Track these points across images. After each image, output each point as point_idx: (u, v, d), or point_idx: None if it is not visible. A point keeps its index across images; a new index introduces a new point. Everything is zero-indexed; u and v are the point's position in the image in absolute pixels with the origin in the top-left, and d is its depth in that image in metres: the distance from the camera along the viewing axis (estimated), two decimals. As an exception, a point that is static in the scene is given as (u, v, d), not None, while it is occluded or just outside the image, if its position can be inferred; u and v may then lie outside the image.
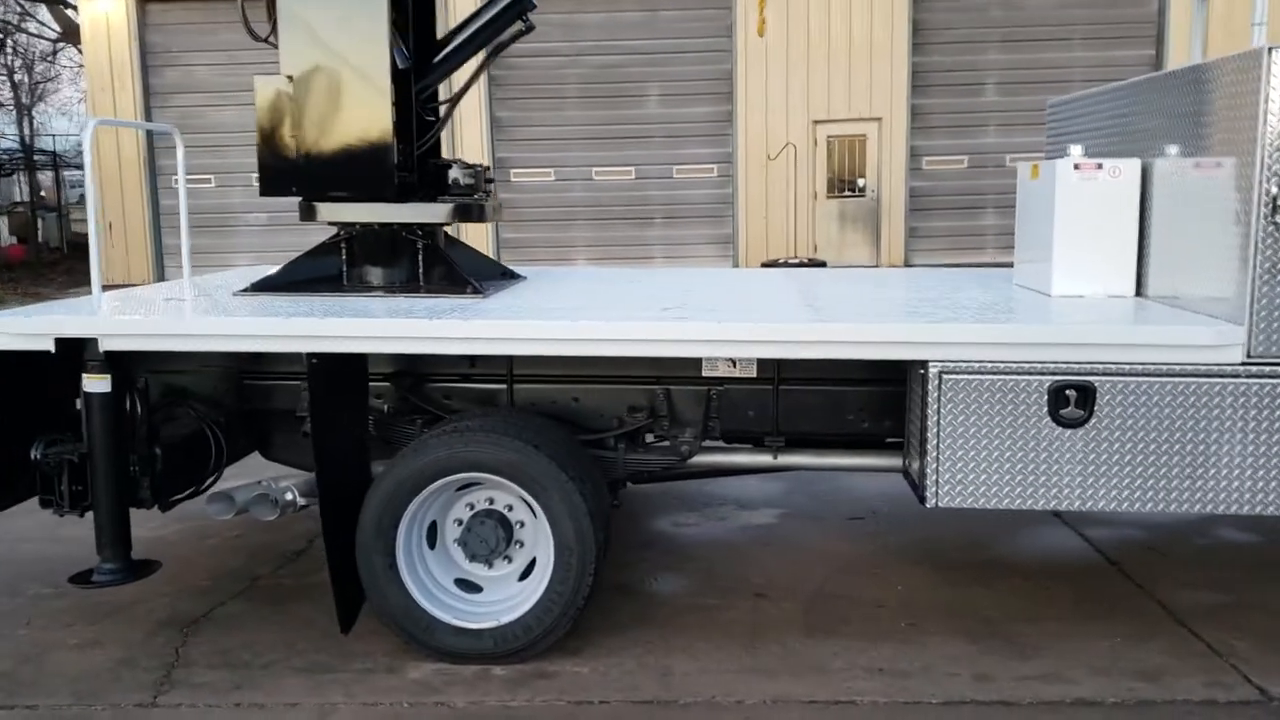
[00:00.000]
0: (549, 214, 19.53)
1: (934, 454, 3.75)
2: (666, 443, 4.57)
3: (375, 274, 4.86)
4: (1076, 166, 4.49)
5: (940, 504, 3.77)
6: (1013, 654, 4.06)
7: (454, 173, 4.98)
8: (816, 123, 18.71)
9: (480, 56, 5.03)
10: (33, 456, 4.10)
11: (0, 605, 4.67)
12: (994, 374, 3.69)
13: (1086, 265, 4.53)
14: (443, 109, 5.14)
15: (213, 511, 4.31)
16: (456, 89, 5.08)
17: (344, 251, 4.86)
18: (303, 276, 4.81)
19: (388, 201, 4.70)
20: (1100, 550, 5.19)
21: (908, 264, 19.06)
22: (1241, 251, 3.62)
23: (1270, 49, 3.49)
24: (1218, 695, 3.70)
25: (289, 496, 4.31)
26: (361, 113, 4.64)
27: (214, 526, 5.43)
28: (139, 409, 4.22)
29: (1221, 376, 3.62)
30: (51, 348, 3.95)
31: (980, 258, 19.04)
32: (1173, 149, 4.42)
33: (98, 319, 4.00)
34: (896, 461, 4.30)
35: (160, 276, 19.81)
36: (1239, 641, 4.11)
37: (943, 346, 3.70)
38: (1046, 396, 3.68)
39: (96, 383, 4.02)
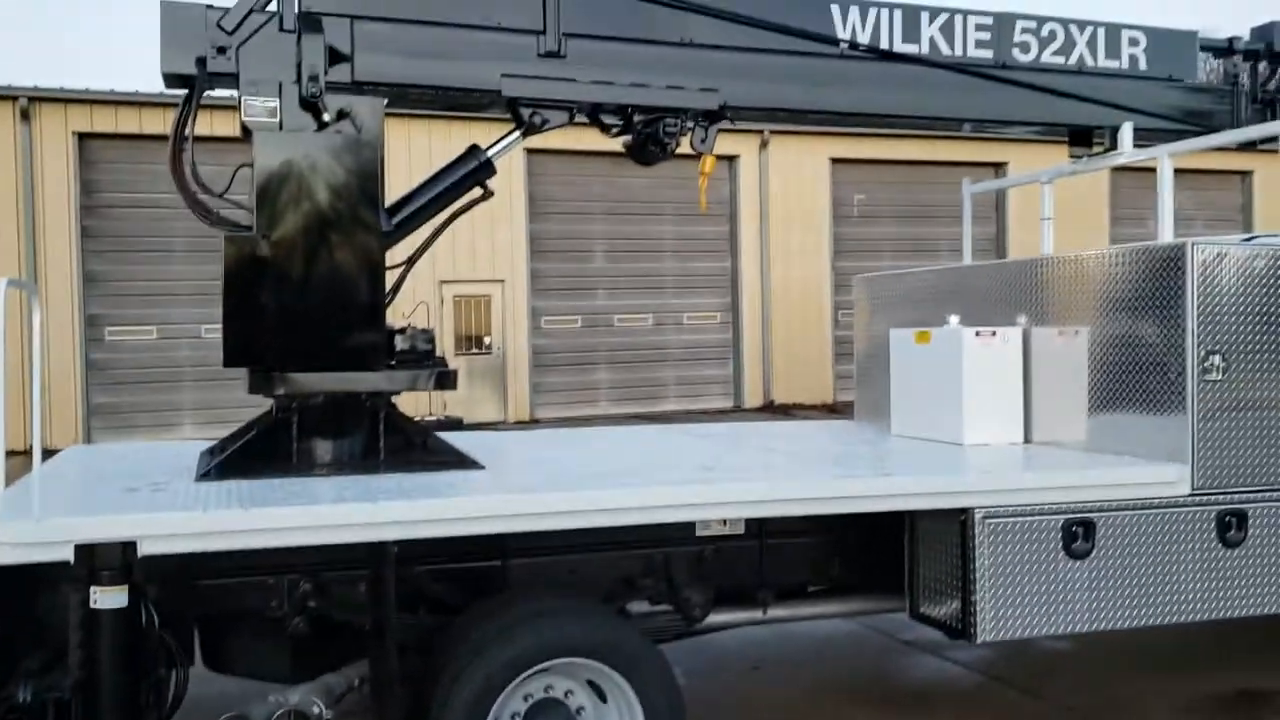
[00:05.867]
0: (151, 375, 17.87)
1: (980, 592, 4.16)
2: (670, 607, 4.57)
3: (326, 448, 4.40)
4: (977, 334, 5.26)
5: (987, 639, 4.18)
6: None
7: (408, 339, 4.70)
8: (443, 283, 19.01)
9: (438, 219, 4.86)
10: (20, 699, 3.22)
11: None
12: (1024, 516, 4.22)
13: (988, 417, 5.26)
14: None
15: (230, 740, 3.61)
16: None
17: (295, 426, 4.37)
18: (258, 455, 4.26)
19: (374, 370, 4.35)
20: (978, 670, 5.85)
21: (533, 418, 19.70)
22: (1183, 403, 4.48)
23: (1192, 244, 4.47)
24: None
25: (316, 710, 3.73)
26: (349, 277, 4.31)
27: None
28: (154, 624, 3.48)
29: (1175, 507, 4.43)
30: (70, 556, 3.19)
31: (598, 410, 20.21)
32: (1023, 318, 5.38)
33: (139, 517, 3.30)
34: (898, 603, 4.65)
35: None
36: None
37: (989, 495, 4.17)
38: (1060, 533, 4.27)
39: (112, 596, 3.29)
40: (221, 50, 4.40)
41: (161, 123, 17.22)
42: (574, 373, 20.42)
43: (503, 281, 19.55)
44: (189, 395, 17.97)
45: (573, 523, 3.73)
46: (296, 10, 4.45)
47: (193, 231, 17.14)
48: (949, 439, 5.31)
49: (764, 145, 20.84)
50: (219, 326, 4.36)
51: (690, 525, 4.47)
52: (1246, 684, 5.52)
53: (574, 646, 3.74)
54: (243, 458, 4.22)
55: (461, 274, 19.05)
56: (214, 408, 17.14)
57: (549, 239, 20.13)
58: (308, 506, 3.46)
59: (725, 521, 4.56)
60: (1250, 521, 4.49)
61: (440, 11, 4.68)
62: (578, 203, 20.32)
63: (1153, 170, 5.50)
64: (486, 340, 19.51)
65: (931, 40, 5.26)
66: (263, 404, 4.49)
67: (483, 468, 4.36)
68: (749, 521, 4.54)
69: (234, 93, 4.46)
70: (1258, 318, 4.55)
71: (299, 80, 4.38)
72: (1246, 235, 5.66)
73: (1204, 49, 6.19)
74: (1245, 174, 24.03)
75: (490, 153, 4.90)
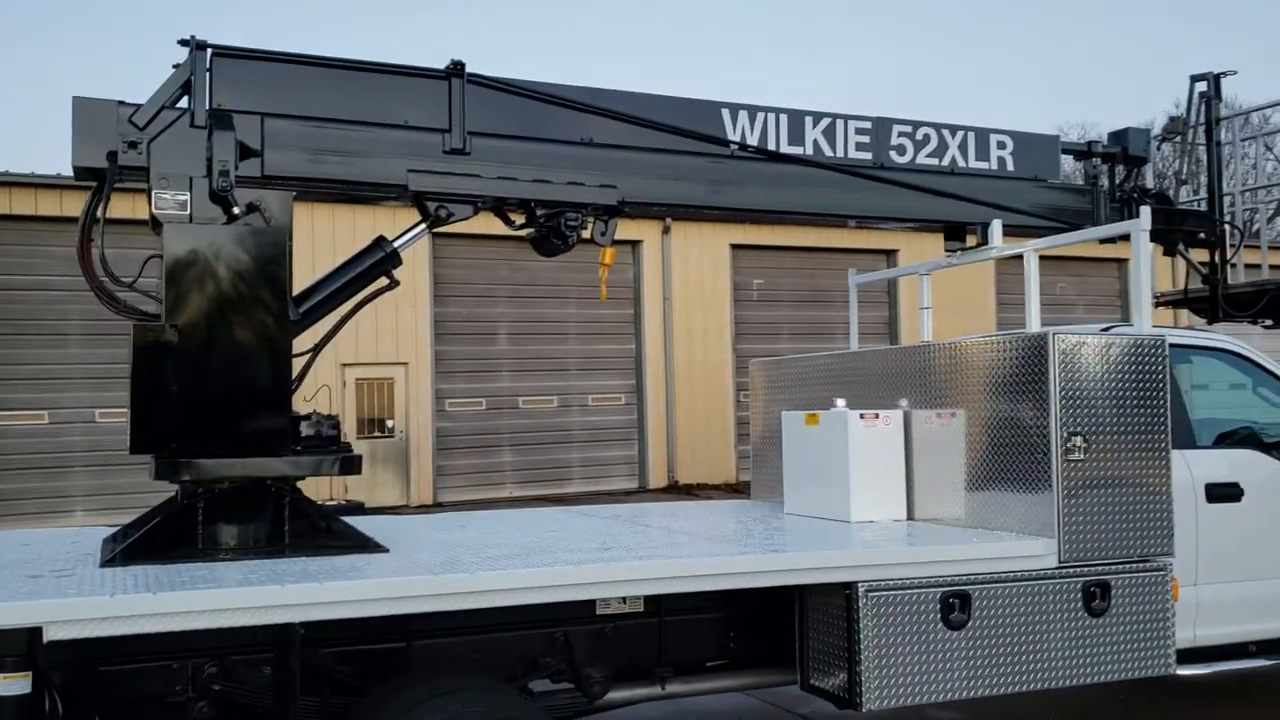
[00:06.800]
0: (41, 461, 17.33)
1: (866, 662, 4.38)
2: (571, 685, 4.68)
3: (231, 533, 4.46)
4: (862, 416, 5.56)
5: (873, 708, 4.39)
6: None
7: (313, 425, 4.81)
8: (345, 365, 18.91)
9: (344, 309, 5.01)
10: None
11: None
12: (905, 589, 4.47)
13: (873, 495, 5.54)
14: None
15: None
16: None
17: (200, 511, 4.42)
18: (163, 540, 4.30)
19: (280, 456, 4.44)
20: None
21: (436, 502, 19.57)
22: (1048, 481, 4.81)
23: (1053, 333, 4.84)
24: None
25: (218, 795, 3.75)
26: (256, 365, 4.42)
27: None
28: (58, 711, 3.49)
29: (1043, 579, 4.73)
30: (-30, 644, 3.21)
31: (502, 493, 20.17)
32: (905, 401, 5.70)
33: (45, 603, 3.33)
34: (791, 676, 4.84)
35: None
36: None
37: (870, 569, 4.41)
38: (939, 605, 4.52)
39: (15, 683, 3.31)
40: (133, 145, 4.53)
41: (57, 205, 17.02)
42: (478, 455, 20.39)
43: (406, 364, 19.55)
44: (81, 481, 17.45)
45: (476, 603, 3.86)
46: (207, 107, 4.61)
47: (88, 315, 16.97)
48: (837, 517, 5.56)
49: (666, 231, 21.37)
50: (114, 411, 4.44)
51: (591, 604, 4.61)
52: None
53: (476, 723, 3.84)
54: (148, 543, 4.26)
55: (364, 356, 18.98)
56: (107, 494, 16.70)
57: (453, 321, 20.23)
58: (216, 590, 3.53)
59: (625, 599, 4.71)
60: (1113, 591, 4.81)
61: (348, 110, 4.89)
62: (482, 285, 20.50)
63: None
64: (389, 423, 19.41)
65: (815, 143, 5.65)
66: (160, 490, 4.54)
67: (387, 550, 4.46)
68: (648, 599, 4.70)
69: (143, 184, 4.59)
70: (1114, 401, 4.93)
71: (209, 174, 4.52)
72: (1104, 325, 6.10)
73: (1065, 151, 6.73)
74: (1121, 261, 25.35)
75: (397, 244, 5.09)
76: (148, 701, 4.05)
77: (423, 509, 18.63)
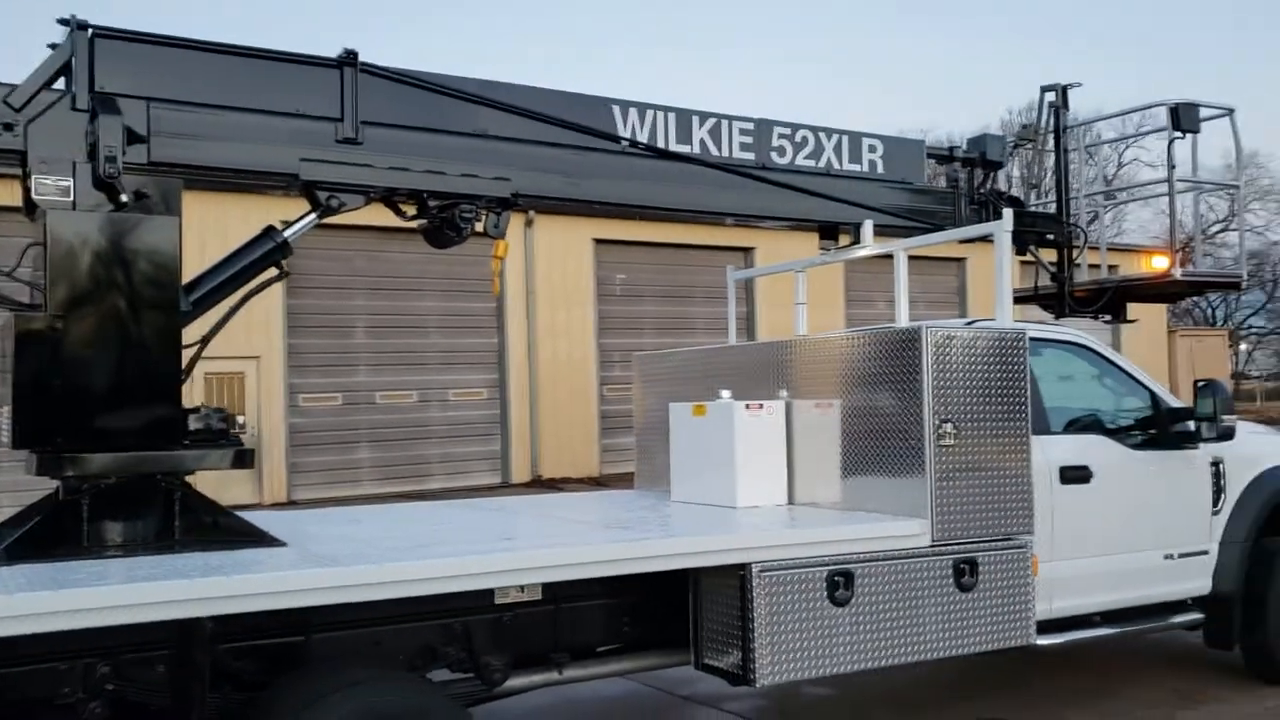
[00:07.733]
0: None
1: (759, 639, 4.57)
2: (470, 674, 4.72)
3: (119, 529, 4.34)
4: (747, 407, 5.77)
5: (766, 683, 4.59)
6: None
7: (202, 419, 4.72)
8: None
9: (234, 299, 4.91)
10: None
11: None
12: (794, 569, 4.68)
13: (758, 482, 5.76)
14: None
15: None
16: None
17: (86, 507, 4.28)
18: (48, 538, 4.15)
19: (169, 450, 4.34)
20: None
21: (290, 500, 19.08)
22: (922, 466, 5.10)
23: (925, 327, 5.14)
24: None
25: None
26: (146, 356, 4.31)
27: None
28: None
29: (918, 557, 5.02)
30: None
31: (360, 490, 19.81)
32: (785, 391, 5.94)
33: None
34: (685, 657, 4.99)
35: None
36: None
37: (763, 550, 4.60)
38: (825, 583, 4.76)
39: (-95, 687, 3.16)
40: (8, 127, 4.34)
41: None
42: (334, 451, 19.95)
43: (258, 358, 18.96)
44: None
45: (390, 593, 3.88)
46: (90, 90, 4.45)
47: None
48: (724, 503, 5.75)
49: (529, 224, 21.33)
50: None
51: (489, 593, 4.66)
52: (985, 713, 6.22)
53: (389, 713, 3.86)
54: (31, 541, 4.10)
55: (213, 349, 18.08)
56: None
57: (307, 314, 19.72)
58: (129, 584, 3.46)
59: (523, 588, 4.77)
60: (980, 568, 5.15)
61: (239, 97, 4.80)
62: (338, 277, 20.03)
63: (882, 258, 6.25)
64: (240, 419, 18.44)
65: (702, 141, 5.82)
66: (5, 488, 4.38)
67: (284, 544, 4.42)
68: (545, 587, 4.77)
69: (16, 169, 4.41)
70: (980, 390, 5.26)
71: (94, 160, 4.36)
72: (967, 320, 6.48)
73: (929, 156, 7.09)
74: (960, 260, 26.62)
75: (287, 234, 5.03)
76: (33, 704, 3.91)
77: (276, 507, 18.13)
